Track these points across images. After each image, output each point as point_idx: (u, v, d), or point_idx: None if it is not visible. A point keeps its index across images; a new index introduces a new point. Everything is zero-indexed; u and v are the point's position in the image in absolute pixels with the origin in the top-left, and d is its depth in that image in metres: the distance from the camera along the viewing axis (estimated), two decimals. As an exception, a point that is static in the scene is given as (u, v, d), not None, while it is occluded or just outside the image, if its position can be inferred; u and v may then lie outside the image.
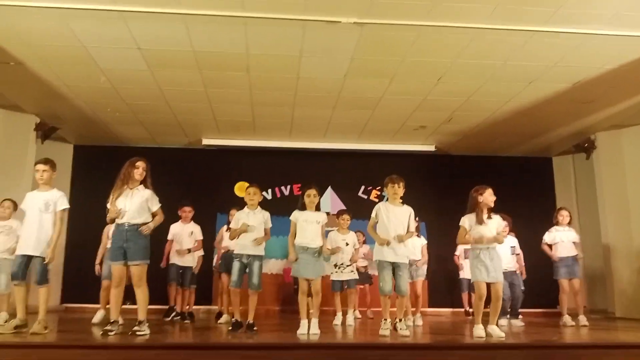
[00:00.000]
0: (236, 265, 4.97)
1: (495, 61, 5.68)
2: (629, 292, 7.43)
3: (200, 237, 6.43)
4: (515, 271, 6.42)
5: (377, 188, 8.89)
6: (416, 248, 6.33)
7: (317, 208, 5.02)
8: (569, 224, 6.37)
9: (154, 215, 4.55)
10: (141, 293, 4.45)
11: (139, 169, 4.55)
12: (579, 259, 6.25)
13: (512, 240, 6.41)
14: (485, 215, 4.73)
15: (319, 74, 6.05)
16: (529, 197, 8.62)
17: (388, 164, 8.16)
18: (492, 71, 5.93)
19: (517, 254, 6.51)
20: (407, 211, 4.87)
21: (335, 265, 6.06)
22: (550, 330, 5.56)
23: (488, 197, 4.71)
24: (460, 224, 4.79)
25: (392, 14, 4.77)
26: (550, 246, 6.32)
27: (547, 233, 6.37)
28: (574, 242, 6.25)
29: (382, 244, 4.71)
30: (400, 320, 4.72)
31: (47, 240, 4.50)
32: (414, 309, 6.35)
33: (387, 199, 4.97)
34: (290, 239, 4.96)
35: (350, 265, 6.12)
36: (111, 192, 4.56)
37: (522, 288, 6.49)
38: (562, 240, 6.24)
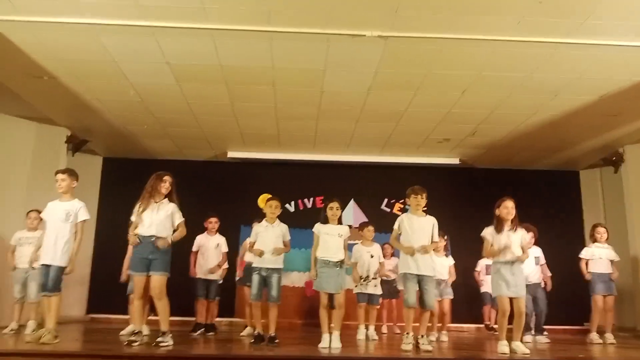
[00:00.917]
0: (255, 279, 5.00)
1: (520, 73, 5.66)
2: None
3: (225, 249, 6.47)
4: (540, 284, 6.27)
5: (400, 201, 8.85)
6: (444, 267, 6.26)
7: (340, 221, 5.04)
8: (607, 240, 6.23)
9: (176, 229, 4.63)
10: (162, 305, 4.51)
11: (166, 183, 4.65)
12: (614, 278, 6.10)
13: (536, 251, 6.27)
14: (507, 228, 4.68)
15: (342, 88, 6.10)
16: (555, 212, 8.49)
17: (411, 176, 8.12)
18: (517, 83, 5.90)
19: (542, 265, 6.36)
20: (431, 221, 4.86)
21: (360, 278, 6.04)
22: (577, 347, 5.44)
23: (502, 209, 4.70)
24: (482, 234, 4.80)
25: (416, 27, 4.80)
26: (586, 263, 6.18)
27: (585, 249, 6.24)
28: (611, 260, 6.11)
29: (408, 252, 4.69)
30: (423, 336, 4.65)
31: (64, 249, 4.53)
32: (439, 325, 6.27)
33: (410, 210, 4.96)
34: (313, 252, 4.97)
35: (375, 278, 6.07)
36: (136, 204, 4.65)
37: (546, 302, 6.37)
38: (600, 257, 6.10)
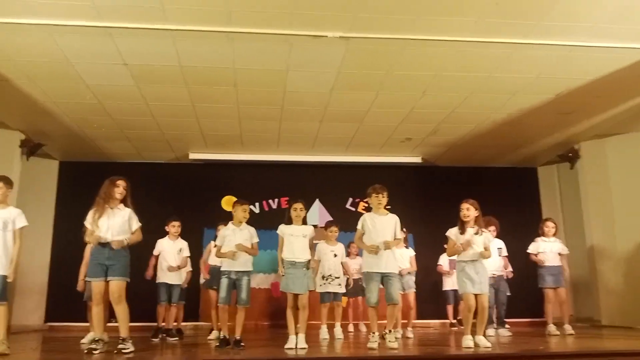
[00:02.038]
0: (224, 283, 4.93)
1: (478, 73, 5.77)
2: (614, 300, 7.50)
3: (187, 253, 6.38)
4: (502, 276, 6.41)
5: (365, 200, 8.88)
6: (404, 259, 6.32)
7: (304, 222, 5.02)
8: (555, 234, 6.43)
9: (132, 233, 4.56)
10: (122, 310, 4.44)
11: (119, 188, 4.56)
12: (566, 273, 6.29)
13: (499, 243, 6.38)
14: (472, 230, 4.80)
15: (305, 88, 6.09)
16: (515, 207, 8.69)
17: (375, 176, 8.16)
18: (476, 83, 6.01)
19: (505, 256, 6.50)
20: (393, 219, 4.89)
21: (323, 277, 6.06)
22: (537, 339, 5.58)
23: (462, 211, 4.84)
24: (447, 234, 4.93)
25: (377, 28, 4.83)
26: (535, 256, 6.38)
27: (532, 243, 6.43)
28: (559, 254, 6.31)
29: (371, 251, 4.71)
30: (390, 331, 4.68)
31: (5, 258, 4.38)
32: (405, 321, 6.35)
33: (372, 209, 4.99)
34: (279, 253, 4.96)
35: (338, 277, 6.11)
36: (90, 210, 4.54)
37: (508, 293, 6.52)
38: (545, 250, 6.30)
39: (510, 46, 5.14)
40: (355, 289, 6.95)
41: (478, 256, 4.74)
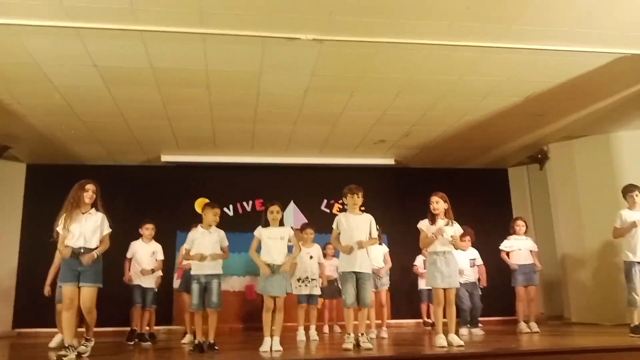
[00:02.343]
0: (195, 288, 4.88)
1: (451, 76, 5.84)
2: (583, 298, 7.67)
3: (161, 257, 6.31)
4: (476, 283, 6.57)
5: (339, 201, 8.93)
6: (378, 255, 6.33)
7: (281, 224, 5.03)
8: (525, 233, 6.57)
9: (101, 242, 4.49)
10: (91, 318, 4.45)
11: (89, 192, 4.50)
12: (536, 269, 6.44)
13: (472, 253, 6.57)
14: (443, 222, 4.89)
15: (279, 90, 6.07)
16: (486, 208, 8.84)
17: (349, 177, 8.13)
18: (448, 86, 6.08)
19: (478, 266, 6.65)
20: (368, 219, 4.94)
21: (299, 279, 6.05)
22: (509, 337, 5.68)
23: (432, 204, 4.95)
24: (418, 225, 5.03)
25: (351, 30, 4.84)
26: (507, 254, 6.50)
27: (504, 241, 6.56)
28: (530, 251, 6.45)
29: (345, 251, 4.75)
30: (363, 334, 4.71)
31: None
32: (379, 322, 6.38)
33: (347, 209, 5.05)
34: (252, 252, 4.95)
35: (314, 279, 6.11)
36: (59, 215, 4.47)
37: (480, 298, 6.65)
38: (518, 248, 6.44)
39: (481, 49, 5.22)
40: (331, 290, 6.96)
41: (449, 246, 4.82)
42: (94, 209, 4.53)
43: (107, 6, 4.34)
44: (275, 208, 5.02)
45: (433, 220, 4.93)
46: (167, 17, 4.54)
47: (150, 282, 6.15)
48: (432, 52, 5.26)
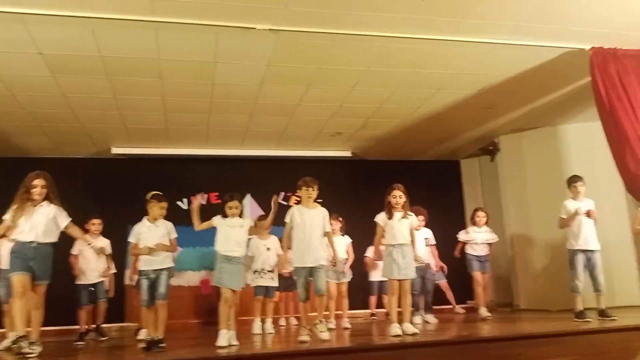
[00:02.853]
0: (144, 284, 4.65)
1: (406, 69, 5.90)
2: (531, 285, 7.95)
3: (109, 251, 6.11)
4: (429, 264, 6.49)
5: (296, 194, 8.90)
6: (341, 247, 6.21)
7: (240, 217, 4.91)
8: (487, 223, 6.72)
9: (68, 232, 4.39)
10: (39, 315, 4.32)
11: (37, 188, 4.35)
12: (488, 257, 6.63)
13: (426, 232, 6.53)
14: (399, 214, 4.92)
15: (234, 81, 5.98)
16: (439, 198, 8.99)
17: (306, 169, 8.10)
18: (403, 78, 6.14)
19: (432, 245, 6.64)
20: (322, 213, 4.86)
21: (255, 271, 5.99)
22: (463, 325, 5.83)
23: (391, 197, 4.98)
24: (375, 219, 5.04)
25: (307, 21, 4.81)
26: (463, 246, 6.64)
27: (463, 231, 6.70)
28: (489, 243, 6.61)
29: (280, 269, 4.85)
30: (320, 321, 4.67)
31: None
32: (340, 312, 6.37)
33: (302, 202, 4.92)
34: (197, 223, 4.83)
35: (271, 271, 6.07)
36: (10, 208, 4.32)
37: (443, 281, 6.74)
38: (476, 239, 6.59)
39: (435, 42, 5.29)
40: (287, 283, 6.94)
41: (406, 238, 4.88)
42: (46, 201, 4.38)
43: (52, -9, 4.16)
44: (234, 204, 4.86)
45: (390, 214, 4.95)
46: (117, 4, 4.39)
47: (98, 276, 5.95)
48: (387, 44, 5.30)
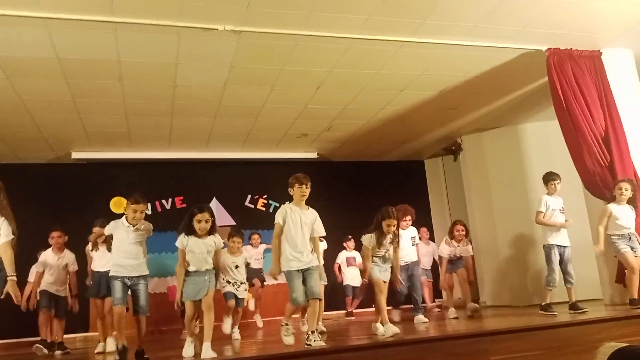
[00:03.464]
0: (118, 284, 4.25)
1: (369, 70, 5.94)
2: (497, 282, 8.11)
3: (75, 267, 5.84)
4: (416, 262, 6.27)
5: (264, 196, 8.86)
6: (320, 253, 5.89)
7: (210, 232, 4.43)
8: (466, 236, 6.58)
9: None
10: None
11: None
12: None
13: (412, 231, 6.38)
14: (387, 240, 4.93)
15: (197, 82, 5.90)
16: (405, 198, 8.96)
17: (273, 172, 8.19)
18: (366, 80, 6.19)
19: (417, 244, 6.51)
20: (313, 215, 4.45)
21: (229, 282, 5.75)
22: (432, 323, 5.86)
23: (385, 225, 4.87)
24: (362, 240, 5.02)
25: (269, 22, 4.80)
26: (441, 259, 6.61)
27: (445, 246, 6.53)
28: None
29: (274, 273, 4.35)
30: (314, 332, 4.16)
31: None
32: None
33: (294, 201, 4.46)
34: (179, 270, 4.34)
35: (243, 283, 5.87)
36: None
37: (429, 279, 6.73)
38: (455, 255, 6.50)
39: (397, 44, 5.35)
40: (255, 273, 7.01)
41: (387, 250, 4.98)
42: None
43: (4, -10, 4.02)
44: (204, 216, 4.31)
45: (380, 242, 4.90)
46: (73, 4, 4.28)
47: (62, 291, 5.70)
48: (350, 45, 5.32)
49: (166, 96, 6.18)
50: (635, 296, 5.24)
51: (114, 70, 5.44)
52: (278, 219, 4.37)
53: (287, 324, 4.41)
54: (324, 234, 4.50)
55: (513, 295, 7.72)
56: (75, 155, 7.97)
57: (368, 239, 4.94)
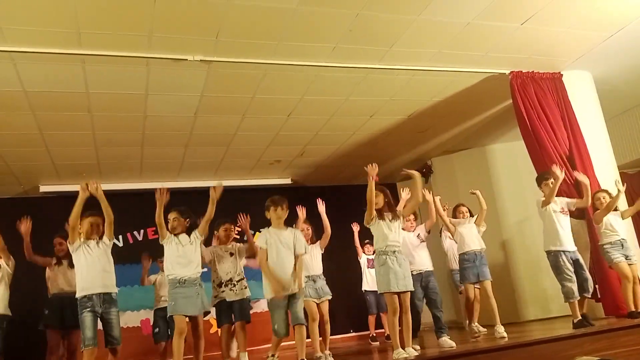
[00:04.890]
0: (88, 318, 3.98)
1: (338, 97, 6.03)
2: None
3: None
4: (431, 271, 5.36)
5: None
6: (317, 260, 5.20)
7: (190, 231, 4.52)
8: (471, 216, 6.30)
9: None
10: None
11: None
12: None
13: (419, 229, 5.76)
14: (389, 214, 4.55)
15: (167, 112, 5.90)
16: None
17: (247, 198, 8.10)
18: (337, 106, 6.27)
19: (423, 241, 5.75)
20: (293, 233, 4.40)
21: (220, 284, 4.96)
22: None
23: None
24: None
25: (238, 52, 4.85)
26: None
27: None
28: None
29: (277, 293, 4.13)
30: None
31: None
32: (321, 338, 4.99)
33: (272, 225, 4.40)
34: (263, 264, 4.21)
35: (241, 280, 5.09)
36: None
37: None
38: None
39: (363, 71, 5.46)
40: None
41: (399, 245, 4.35)
42: None
43: (-32, 25, 3.98)
44: (171, 215, 4.57)
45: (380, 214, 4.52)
46: (40, 37, 4.26)
47: None
48: (319, 73, 5.41)
49: (136, 127, 6.15)
50: (632, 308, 5.07)
51: (82, 102, 5.40)
52: (261, 243, 4.30)
53: (273, 355, 4.30)
54: (303, 251, 4.37)
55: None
56: (44, 188, 7.80)
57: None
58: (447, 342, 4.76)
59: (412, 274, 4.55)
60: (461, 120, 7.28)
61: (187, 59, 4.80)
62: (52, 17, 4.04)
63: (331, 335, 5.15)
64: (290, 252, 4.29)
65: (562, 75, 6.22)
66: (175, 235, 4.44)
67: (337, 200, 9.11)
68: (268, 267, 4.21)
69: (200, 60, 4.85)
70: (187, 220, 4.55)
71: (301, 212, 5.31)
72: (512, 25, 5.05)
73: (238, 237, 5.64)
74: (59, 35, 4.26)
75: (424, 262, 5.33)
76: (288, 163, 8.21)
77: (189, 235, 4.46)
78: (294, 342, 4.37)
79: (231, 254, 5.13)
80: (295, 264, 4.29)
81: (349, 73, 5.47)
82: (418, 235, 5.56)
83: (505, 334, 5.04)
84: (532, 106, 5.98)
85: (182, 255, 4.33)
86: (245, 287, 4.97)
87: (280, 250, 4.25)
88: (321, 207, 5.29)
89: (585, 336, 4.40)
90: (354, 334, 8.55)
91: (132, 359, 7.71)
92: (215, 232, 5.47)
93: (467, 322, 5.94)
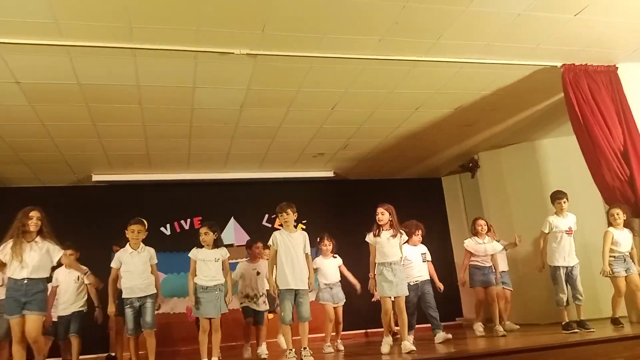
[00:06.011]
0: (129, 313, 4.83)
1: (383, 90, 5.98)
2: (514, 300, 7.94)
3: (87, 281, 5.95)
4: (428, 280, 6.09)
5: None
6: (334, 269, 6.09)
7: (216, 245, 5.00)
8: (489, 230, 6.67)
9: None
10: (39, 347, 4.27)
11: (33, 219, 4.34)
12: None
13: (422, 248, 6.30)
14: (388, 233, 4.97)
15: (214, 105, 6.01)
16: (422, 216, 8.96)
17: (290, 191, 8.21)
18: (381, 99, 6.22)
19: (428, 261, 6.30)
20: (303, 236, 5.00)
21: (247, 297, 5.96)
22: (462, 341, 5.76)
23: (377, 215, 5.07)
24: (366, 239, 5.11)
25: (284, 45, 4.88)
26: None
27: (472, 241, 6.54)
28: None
29: (274, 289, 4.83)
30: (305, 348, 4.71)
31: None
32: (334, 334, 6.16)
33: (282, 227, 5.09)
34: (190, 278, 4.94)
35: (262, 295, 6.00)
36: (5, 243, 4.31)
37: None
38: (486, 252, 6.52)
39: (410, 63, 5.39)
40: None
41: (396, 256, 4.95)
42: (39, 237, 4.38)
43: (29, 20, 4.17)
44: (203, 230, 5.01)
45: (378, 232, 5.01)
46: (94, 32, 4.41)
47: (73, 307, 5.74)
48: (364, 66, 5.38)
49: (184, 119, 6.30)
50: (617, 316, 5.68)
51: (133, 95, 5.56)
52: (270, 241, 4.97)
53: (291, 350, 4.73)
54: (308, 251, 4.96)
55: (533, 313, 7.57)
56: (96, 177, 8.12)
57: (370, 236, 5.08)
58: (442, 335, 5.75)
59: (409, 284, 5.40)
60: (510, 114, 7.09)
61: (233, 53, 4.87)
62: (106, 12, 4.18)
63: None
64: (301, 251, 4.90)
65: (617, 68, 5.96)
66: (202, 247, 5.02)
67: (380, 194, 9.07)
68: (272, 264, 4.91)
69: (247, 53, 4.91)
70: (215, 233, 5.06)
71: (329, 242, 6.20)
72: (565, 16, 4.87)
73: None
74: (112, 29, 4.40)
75: (421, 273, 6.05)
76: (331, 156, 8.23)
77: (217, 248, 5.05)
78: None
79: (258, 273, 6.05)
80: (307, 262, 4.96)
81: (395, 66, 5.42)
82: (423, 254, 6.22)
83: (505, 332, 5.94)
84: (585, 100, 5.76)
85: (206, 271, 4.93)
86: (265, 302, 6.00)
87: (289, 250, 4.85)
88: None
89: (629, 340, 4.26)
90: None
91: (179, 343, 7.97)
92: (248, 250, 6.37)
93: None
